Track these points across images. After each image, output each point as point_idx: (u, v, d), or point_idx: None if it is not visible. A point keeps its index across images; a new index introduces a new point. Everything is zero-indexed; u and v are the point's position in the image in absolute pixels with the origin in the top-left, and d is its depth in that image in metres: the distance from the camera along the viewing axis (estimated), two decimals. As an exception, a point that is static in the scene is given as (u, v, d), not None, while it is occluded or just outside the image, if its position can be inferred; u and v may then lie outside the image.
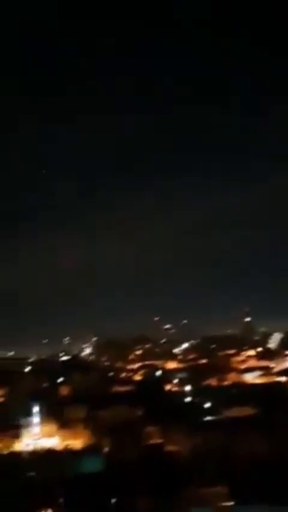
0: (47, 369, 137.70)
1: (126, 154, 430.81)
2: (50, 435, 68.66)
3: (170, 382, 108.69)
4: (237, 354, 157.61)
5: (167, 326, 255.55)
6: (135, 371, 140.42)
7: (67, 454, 59.46)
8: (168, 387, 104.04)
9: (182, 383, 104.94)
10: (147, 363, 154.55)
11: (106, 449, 57.81)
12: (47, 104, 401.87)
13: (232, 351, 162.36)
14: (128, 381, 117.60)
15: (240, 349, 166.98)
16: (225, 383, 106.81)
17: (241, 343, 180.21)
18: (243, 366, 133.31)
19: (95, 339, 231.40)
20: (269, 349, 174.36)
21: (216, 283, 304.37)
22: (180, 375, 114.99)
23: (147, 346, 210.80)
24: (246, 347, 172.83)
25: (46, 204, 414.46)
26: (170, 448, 55.04)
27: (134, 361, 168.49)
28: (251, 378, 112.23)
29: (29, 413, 69.85)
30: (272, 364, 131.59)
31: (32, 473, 49.57)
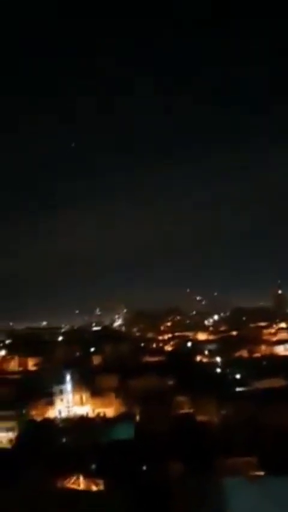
0: (80, 338, 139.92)
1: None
2: (82, 403, 69.96)
3: (200, 353, 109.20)
4: (268, 326, 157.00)
5: (199, 298, 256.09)
6: (166, 342, 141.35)
7: (99, 421, 60.57)
8: (198, 358, 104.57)
9: (213, 354, 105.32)
10: (178, 334, 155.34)
11: (137, 417, 58.64)
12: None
13: (263, 323, 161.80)
14: (159, 351, 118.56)
15: (271, 322, 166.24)
16: (256, 355, 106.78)
17: (273, 316, 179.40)
18: (274, 338, 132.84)
19: (125, 310, 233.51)
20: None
21: (248, 256, 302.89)
22: (210, 346, 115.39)
23: (178, 317, 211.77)
24: (278, 319, 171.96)
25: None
26: (201, 417, 55.51)
27: (165, 332, 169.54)
28: (282, 350, 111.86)
29: (62, 382, 71.14)
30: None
31: (65, 440, 50.73)
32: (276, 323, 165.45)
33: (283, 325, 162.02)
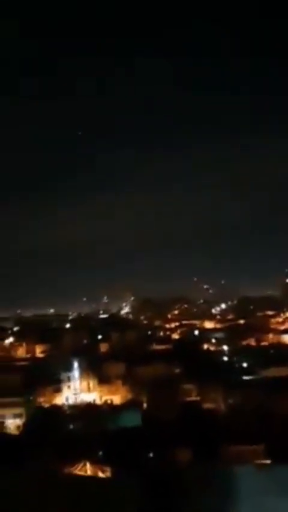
0: (87, 326, 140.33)
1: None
2: (89, 390, 70.26)
3: (207, 341, 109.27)
4: (276, 315, 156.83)
5: (206, 286, 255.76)
6: (173, 330, 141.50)
7: (106, 408, 60.83)
8: (206, 346, 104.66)
9: (220, 342, 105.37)
10: (185, 322, 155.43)
11: (144, 404, 58.85)
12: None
13: (271, 312, 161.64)
14: (166, 339, 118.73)
15: (279, 311, 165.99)
16: (263, 343, 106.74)
17: (280, 305, 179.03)
18: (281, 327, 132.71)
19: (132, 298, 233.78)
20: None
21: (255, 244, 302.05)
22: (218, 335, 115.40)
23: (185, 305, 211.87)
24: (285, 308, 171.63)
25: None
26: (207, 405, 55.62)
27: (172, 320, 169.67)
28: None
29: (69, 369, 71.43)
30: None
31: (72, 426, 50.99)
32: (283, 312, 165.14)
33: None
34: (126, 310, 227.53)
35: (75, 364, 71.76)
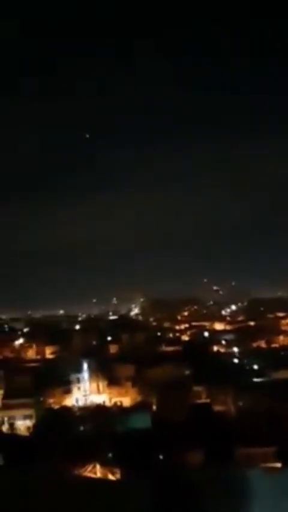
0: (97, 327, 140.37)
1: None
2: (99, 392, 70.22)
3: (217, 343, 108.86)
4: (286, 317, 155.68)
5: (216, 288, 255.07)
6: (183, 331, 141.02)
7: (116, 410, 60.76)
8: (215, 348, 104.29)
9: (230, 344, 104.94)
10: (195, 323, 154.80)
11: (154, 406, 58.72)
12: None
13: (282, 314, 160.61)
14: (176, 341, 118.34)
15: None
16: (274, 345, 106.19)
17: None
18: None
19: (142, 299, 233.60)
20: None
21: (266, 246, 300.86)
22: (228, 337, 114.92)
23: (195, 307, 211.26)
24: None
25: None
26: (218, 407, 55.39)
27: (181, 322, 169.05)
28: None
29: (79, 370, 71.45)
30: None
31: (82, 428, 50.98)
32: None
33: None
34: (135, 311, 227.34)
35: (85, 366, 71.76)
